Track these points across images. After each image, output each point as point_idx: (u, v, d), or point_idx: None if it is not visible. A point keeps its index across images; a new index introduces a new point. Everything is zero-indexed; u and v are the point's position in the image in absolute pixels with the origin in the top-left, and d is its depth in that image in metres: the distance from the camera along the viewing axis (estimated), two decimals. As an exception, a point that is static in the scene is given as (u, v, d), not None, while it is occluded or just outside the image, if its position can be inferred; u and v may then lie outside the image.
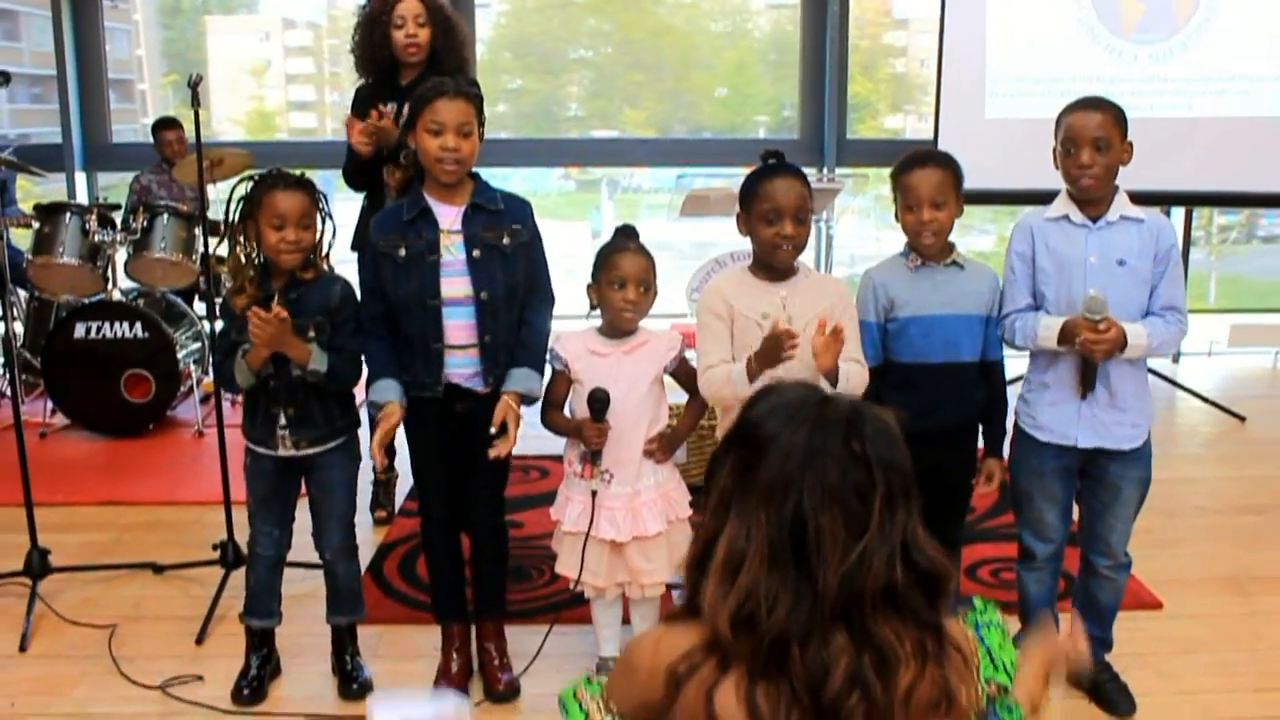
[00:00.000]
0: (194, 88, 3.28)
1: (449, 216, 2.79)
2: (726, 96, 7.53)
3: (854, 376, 2.66)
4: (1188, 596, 3.52)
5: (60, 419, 5.24)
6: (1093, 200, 2.69)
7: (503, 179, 8.82)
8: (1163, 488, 4.37)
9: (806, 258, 2.86)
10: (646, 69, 7.49)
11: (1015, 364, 2.97)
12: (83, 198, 6.44)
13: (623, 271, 2.78)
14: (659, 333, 2.92)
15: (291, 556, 3.07)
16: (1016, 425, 2.88)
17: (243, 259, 2.78)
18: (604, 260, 2.81)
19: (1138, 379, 2.78)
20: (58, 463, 4.84)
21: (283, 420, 2.84)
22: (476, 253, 2.78)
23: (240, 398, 2.99)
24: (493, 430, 2.74)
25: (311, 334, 2.78)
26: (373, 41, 3.71)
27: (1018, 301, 2.78)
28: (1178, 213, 6.40)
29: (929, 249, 2.76)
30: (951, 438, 2.82)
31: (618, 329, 2.84)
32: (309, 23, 8.53)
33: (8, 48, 8.41)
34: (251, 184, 2.78)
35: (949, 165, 2.75)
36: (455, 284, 2.78)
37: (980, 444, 2.93)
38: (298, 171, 2.81)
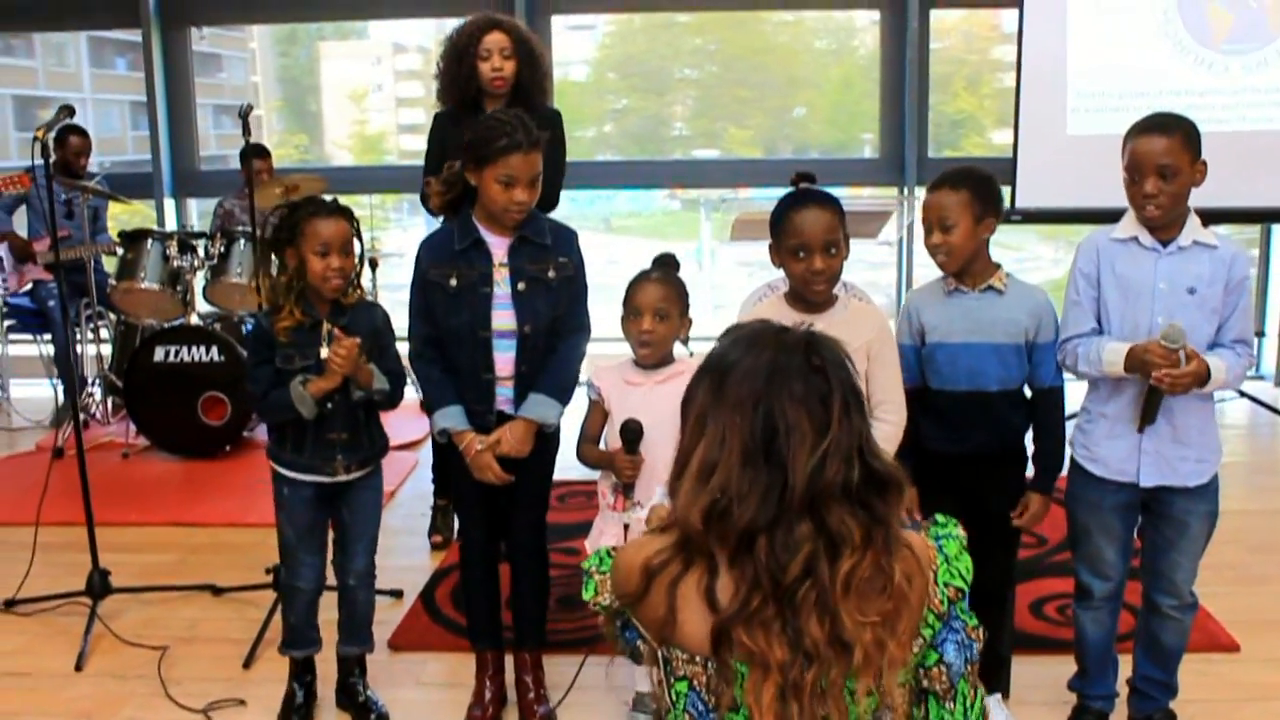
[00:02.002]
0: (244, 118, 3.35)
1: (499, 248, 2.79)
2: (832, 114, 7.43)
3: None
4: (1268, 639, 3.31)
5: (143, 440, 5.37)
6: (1163, 226, 2.53)
7: (608, 199, 8.90)
8: (1252, 520, 4.21)
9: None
10: (752, 87, 7.44)
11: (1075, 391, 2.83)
12: (172, 224, 6.63)
13: (636, 301, 2.74)
14: (694, 364, 2.84)
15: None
16: (1072, 458, 2.74)
17: (280, 284, 2.78)
18: (627, 289, 2.77)
19: (1203, 412, 2.61)
20: (136, 483, 4.96)
21: (339, 446, 2.83)
22: (521, 286, 2.77)
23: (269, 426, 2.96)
24: (477, 446, 2.76)
25: (362, 358, 2.79)
26: (460, 74, 3.73)
27: (1081, 325, 2.63)
28: (1278, 230, 6.14)
29: (945, 269, 2.69)
30: (987, 465, 2.71)
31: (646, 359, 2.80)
32: (419, 47, 8.68)
33: (132, 77, 8.74)
34: (290, 209, 2.78)
35: (965, 184, 2.63)
36: (502, 316, 2.78)
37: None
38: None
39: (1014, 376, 2.69)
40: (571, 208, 8.94)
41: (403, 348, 2.92)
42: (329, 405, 2.79)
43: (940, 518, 1.65)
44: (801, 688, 1.41)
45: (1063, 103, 5.37)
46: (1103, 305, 2.61)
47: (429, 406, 2.85)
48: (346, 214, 2.79)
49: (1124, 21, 5.28)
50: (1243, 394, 5.55)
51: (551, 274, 2.79)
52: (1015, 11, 6.73)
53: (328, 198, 2.84)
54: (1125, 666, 2.85)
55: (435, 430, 2.83)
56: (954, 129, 7.31)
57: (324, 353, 2.73)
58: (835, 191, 2.73)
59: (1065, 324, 2.67)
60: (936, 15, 6.46)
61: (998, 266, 2.71)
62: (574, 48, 7.97)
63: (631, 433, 2.66)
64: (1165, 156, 2.45)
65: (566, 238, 2.86)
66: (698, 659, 1.46)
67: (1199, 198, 2.54)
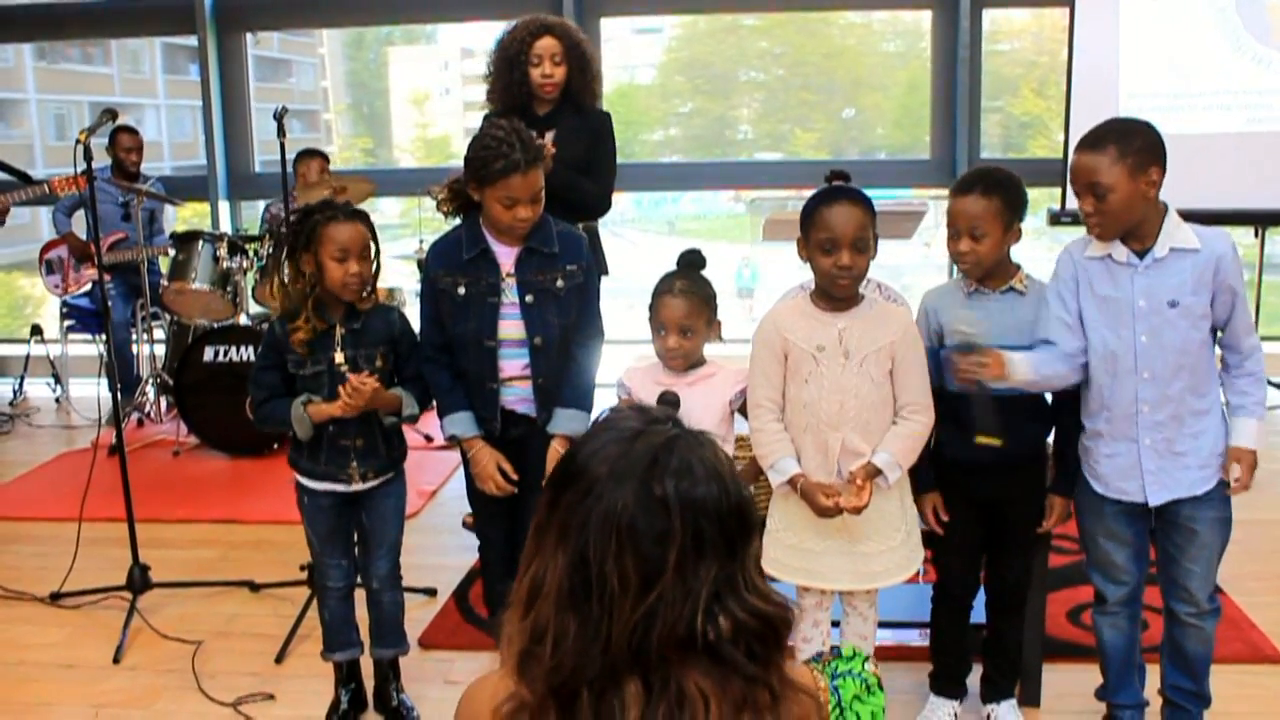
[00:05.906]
0: (279, 119, 3.39)
1: (507, 258, 2.79)
2: (900, 116, 7.37)
3: (905, 450, 2.57)
4: (1315, 652, 3.22)
5: (194, 438, 5.46)
6: (1134, 235, 2.45)
7: (672, 201, 8.84)
8: (1306, 525, 4.08)
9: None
10: (817, 90, 7.41)
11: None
12: (226, 226, 6.74)
13: (661, 318, 2.71)
14: (726, 366, 2.82)
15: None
16: (1079, 465, 2.68)
17: (296, 292, 2.75)
18: (652, 300, 2.75)
19: (1199, 420, 2.51)
20: (184, 480, 5.05)
21: (353, 452, 2.84)
22: (529, 298, 2.77)
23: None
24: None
25: (378, 364, 2.80)
26: (513, 80, 3.76)
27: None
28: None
29: (970, 275, 2.65)
30: (1006, 470, 2.66)
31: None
32: (487, 51, 8.76)
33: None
34: (304, 215, 2.76)
35: (997, 191, 2.57)
36: (510, 326, 2.79)
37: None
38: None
39: None
40: (636, 209, 8.97)
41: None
42: (330, 429, 2.79)
43: (846, 650, 1.47)
44: None
45: (1115, 102, 5.25)
46: (1085, 323, 2.54)
47: (439, 411, 2.86)
48: (363, 218, 2.76)
49: (1179, 18, 5.16)
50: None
51: (560, 283, 2.78)
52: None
53: (365, 200, 2.85)
54: (1156, 676, 2.78)
55: (444, 435, 2.85)
56: (1021, 131, 7.21)
57: (337, 358, 2.74)
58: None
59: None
60: (1004, 15, 6.36)
61: (1018, 267, 2.67)
62: (640, 51, 7.99)
63: (669, 404, 2.59)
64: (1095, 174, 2.37)
65: (574, 244, 2.84)
66: None
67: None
